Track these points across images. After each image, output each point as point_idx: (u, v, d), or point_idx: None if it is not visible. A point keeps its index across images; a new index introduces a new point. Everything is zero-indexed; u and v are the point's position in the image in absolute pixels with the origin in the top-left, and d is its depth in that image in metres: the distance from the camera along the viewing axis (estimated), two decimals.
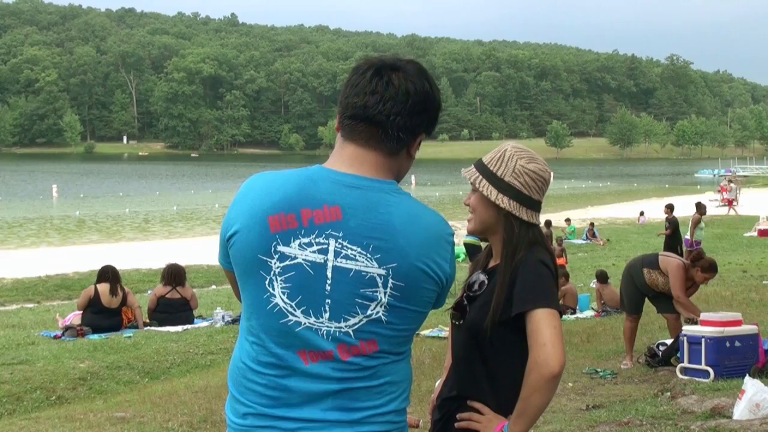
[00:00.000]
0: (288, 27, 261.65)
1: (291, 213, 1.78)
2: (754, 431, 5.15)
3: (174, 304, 11.78)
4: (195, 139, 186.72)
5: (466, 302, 2.42)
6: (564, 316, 13.77)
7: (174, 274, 11.93)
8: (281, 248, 1.78)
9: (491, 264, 2.45)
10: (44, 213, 46.05)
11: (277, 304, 1.80)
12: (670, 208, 22.42)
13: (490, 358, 2.33)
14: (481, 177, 2.37)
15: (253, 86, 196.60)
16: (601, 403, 6.64)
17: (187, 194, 60.86)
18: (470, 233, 2.59)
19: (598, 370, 8.20)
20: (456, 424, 2.33)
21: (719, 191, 49.90)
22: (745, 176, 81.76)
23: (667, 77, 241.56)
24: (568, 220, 33.40)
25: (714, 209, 42.73)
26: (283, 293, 1.80)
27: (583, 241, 29.74)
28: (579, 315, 13.79)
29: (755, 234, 28.12)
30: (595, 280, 14.36)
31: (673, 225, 20.68)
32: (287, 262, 1.79)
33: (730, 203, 43.47)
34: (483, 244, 2.79)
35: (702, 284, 8.59)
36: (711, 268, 8.40)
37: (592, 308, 14.05)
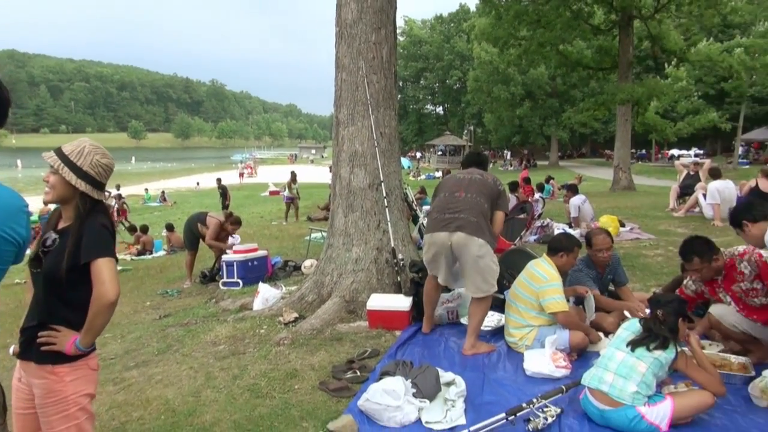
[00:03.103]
0: None
1: None
2: (265, 315, 5.43)
3: None
4: None
5: (41, 255, 2.17)
6: (143, 256, 13.03)
7: None
8: None
9: (60, 225, 2.22)
10: None
11: None
12: (218, 180, 22.61)
13: (66, 294, 2.13)
14: (62, 164, 2.13)
15: None
16: (170, 313, 6.43)
17: None
18: (48, 203, 2.32)
19: (168, 290, 7.94)
20: (38, 340, 2.11)
21: (246, 167, 51.49)
22: (261, 158, 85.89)
23: (211, 93, 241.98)
24: (146, 189, 31.87)
25: (245, 179, 44.29)
26: None
27: (158, 204, 28.40)
28: (155, 254, 13.16)
29: (267, 194, 29.72)
30: (165, 230, 13.82)
31: (223, 189, 20.68)
32: None
33: (241, 175, 45.38)
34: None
35: (232, 233, 8.78)
36: (237, 222, 8.63)
37: (164, 249, 13.52)
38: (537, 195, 13.11)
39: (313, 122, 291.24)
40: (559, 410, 3.17)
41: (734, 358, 3.80)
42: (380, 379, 3.56)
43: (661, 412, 2.98)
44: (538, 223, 9.41)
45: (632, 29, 20.20)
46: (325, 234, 6.79)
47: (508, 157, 56.66)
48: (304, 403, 3.56)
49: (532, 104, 48.11)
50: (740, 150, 36.18)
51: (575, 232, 9.19)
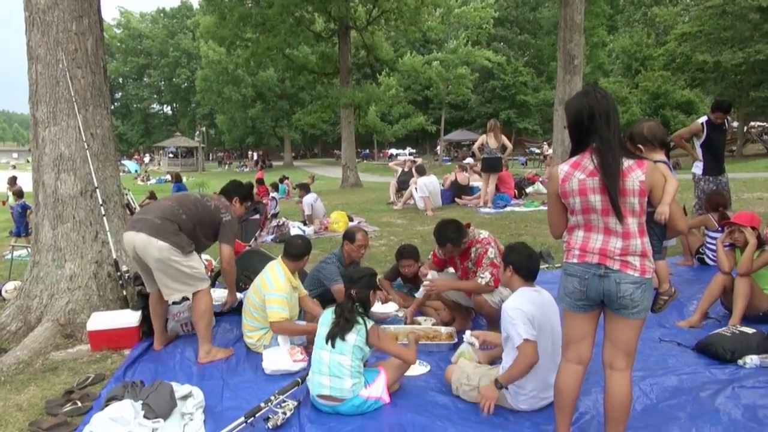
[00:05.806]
0: None
1: None
2: None
3: None
4: None
5: None
6: None
7: None
8: None
9: None
10: None
11: None
12: None
13: None
14: None
15: None
16: None
17: None
18: None
19: None
20: None
21: None
22: None
23: None
24: None
25: None
26: None
27: None
28: None
29: None
30: None
31: None
32: None
33: None
34: None
35: None
36: None
37: None
38: (272, 194, 13.31)
39: (12, 121, 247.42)
40: (296, 403, 3.27)
41: (443, 329, 4.41)
42: (106, 405, 3.22)
43: (379, 387, 3.27)
44: (273, 223, 9.55)
45: (350, 38, 21.81)
46: (30, 251, 5.85)
47: (255, 157, 56.18)
48: None
49: (264, 105, 48.58)
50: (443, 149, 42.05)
51: (309, 229, 9.59)
